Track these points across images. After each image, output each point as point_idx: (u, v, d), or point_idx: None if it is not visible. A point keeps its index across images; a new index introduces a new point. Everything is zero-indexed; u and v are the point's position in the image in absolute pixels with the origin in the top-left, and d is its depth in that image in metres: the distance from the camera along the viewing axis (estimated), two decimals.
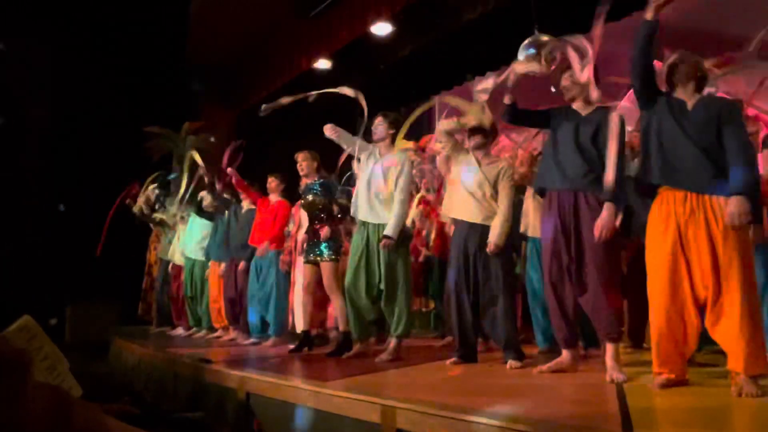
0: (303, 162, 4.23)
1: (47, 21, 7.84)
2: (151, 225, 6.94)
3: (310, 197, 4.11)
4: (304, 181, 4.27)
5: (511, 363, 3.11)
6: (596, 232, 2.67)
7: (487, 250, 3.20)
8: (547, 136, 3.09)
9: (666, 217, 2.42)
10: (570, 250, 2.78)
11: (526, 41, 3.17)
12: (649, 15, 2.45)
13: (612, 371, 2.63)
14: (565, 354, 2.90)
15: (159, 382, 4.00)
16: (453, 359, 3.30)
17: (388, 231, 3.49)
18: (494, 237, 3.20)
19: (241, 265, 4.98)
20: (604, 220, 2.66)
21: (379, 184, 3.59)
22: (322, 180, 4.17)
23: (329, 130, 3.78)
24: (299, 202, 4.65)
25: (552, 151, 2.93)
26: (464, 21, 6.20)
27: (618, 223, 2.71)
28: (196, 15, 8.09)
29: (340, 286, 3.93)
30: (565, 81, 2.96)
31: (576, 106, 2.96)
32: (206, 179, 5.72)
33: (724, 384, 2.33)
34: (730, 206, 2.25)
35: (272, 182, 4.95)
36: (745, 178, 2.29)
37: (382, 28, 6.72)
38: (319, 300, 4.44)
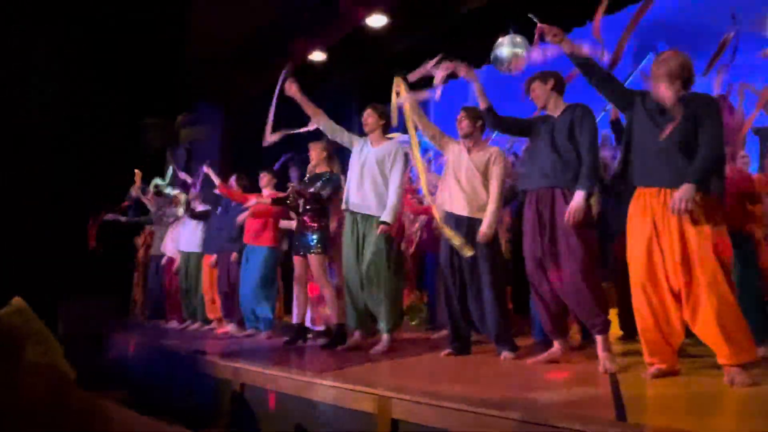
0: (313, 151, 4.17)
1: (44, 13, 7.77)
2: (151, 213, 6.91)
3: (312, 188, 4.07)
4: (310, 170, 4.24)
5: (505, 355, 3.13)
6: (566, 216, 2.74)
7: (477, 239, 3.19)
8: (528, 140, 3.18)
9: (642, 210, 2.46)
10: (545, 245, 2.84)
11: (500, 40, 3.20)
12: (565, 49, 2.61)
13: (604, 361, 2.65)
14: (556, 345, 2.93)
15: (153, 374, 3.99)
16: (447, 351, 3.31)
17: (385, 217, 3.47)
18: (484, 226, 3.20)
19: (233, 256, 4.98)
20: (575, 204, 2.74)
21: (372, 175, 3.58)
22: (332, 173, 4.12)
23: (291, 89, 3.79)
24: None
25: (531, 154, 3.04)
26: (460, 14, 6.19)
27: (595, 214, 2.77)
28: (191, 9, 8.04)
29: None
30: (533, 91, 3.04)
31: (549, 110, 3.03)
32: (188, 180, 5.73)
33: (717, 374, 2.35)
34: (677, 192, 2.29)
35: (264, 177, 4.95)
36: (702, 169, 2.32)
37: (377, 21, 6.70)
38: (318, 295, 4.43)
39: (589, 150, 2.83)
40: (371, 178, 3.58)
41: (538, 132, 3.00)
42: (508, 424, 1.74)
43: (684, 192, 2.28)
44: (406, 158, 3.69)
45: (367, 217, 3.56)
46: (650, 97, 2.53)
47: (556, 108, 3.01)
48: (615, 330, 3.31)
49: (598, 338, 2.74)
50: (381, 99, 3.89)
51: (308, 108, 3.84)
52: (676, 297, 2.38)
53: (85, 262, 7.65)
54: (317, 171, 4.15)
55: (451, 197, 3.35)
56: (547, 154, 2.90)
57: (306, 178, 4.24)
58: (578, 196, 2.76)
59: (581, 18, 5.90)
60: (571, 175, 2.84)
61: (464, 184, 3.31)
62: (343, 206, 3.69)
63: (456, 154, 3.40)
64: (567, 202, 2.81)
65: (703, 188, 2.31)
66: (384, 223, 3.46)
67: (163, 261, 6.35)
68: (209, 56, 8.79)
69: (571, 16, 5.89)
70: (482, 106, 3.12)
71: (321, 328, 4.62)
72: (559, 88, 3.02)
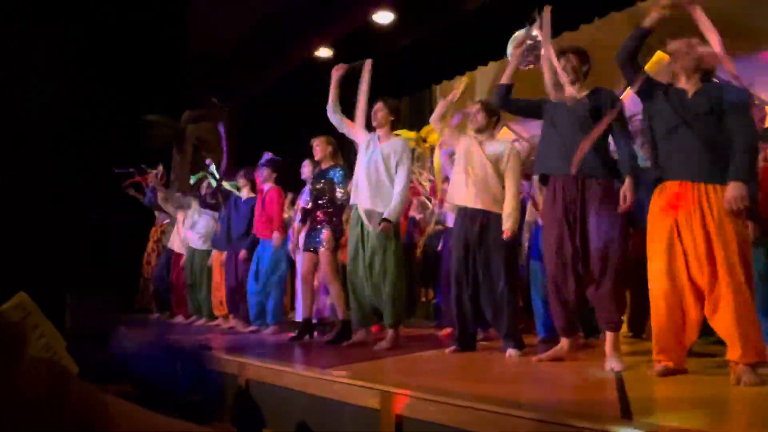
0: (317, 147, 4.16)
1: (44, 12, 7.79)
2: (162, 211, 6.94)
3: (320, 184, 4.06)
4: (308, 168, 4.24)
5: (510, 352, 3.12)
6: (621, 200, 2.65)
7: (504, 237, 3.17)
8: (543, 124, 3.02)
9: (664, 205, 2.42)
10: (575, 238, 2.75)
11: (517, 34, 3.16)
12: (647, 23, 2.48)
13: (611, 360, 2.63)
14: (564, 342, 2.89)
15: (158, 368, 4.01)
16: (452, 348, 3.30)
17: (387, 214, 3.46)
18: (508, 223, 3.17)
19: (242, 253, 4.99)
20: (626, 189, 2.65)
21: (378, 171, 3.57)
22: (340, 167, 4.10)
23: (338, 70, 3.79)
24: (305, 188, 4.65)
25: (552, 137, 2.89)
26: (467, 10, 6.16)
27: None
28: (195, 4, 8.04)
29: (339, 275, 3.93)
30: (566, 62, 2.90)
31: (570, 91, 2.91)
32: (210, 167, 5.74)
33: (723, 373, 2.34)
34: (729, 191, 2.25)
35: (264, 171, 4.95)
36: (744, 165, 2.28)
37: (384, 17, 6.69)
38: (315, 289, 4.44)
39: (626, 136, 2.75)
40: (377, 174, 3.57)
41: (556, 113, 2.89)
42: (514, 421, 1.73)
43: (737, 192, 2.23)
44: (413, 156, 3.69)
45: (373, 213, 3.55)
46: (674, 90, 2.50)
47: (579, 90, 2.90)
48: (622, 328, 3.29)
49: (609, 335, 2.70)
50: (387, 95, 3.87)
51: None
52: (697, 294, 2.35)
53: (93, 257, 7.70)
54: (323, 166, 4.15)
55: (463, 191, 3.32)
56: (572, 138, 2.77)
57: (314, 175, 4.24)
58: (628, 181, 2.65)
59: (584, 12, 5.88)
60: (599, 162, 2.75)
61: (476, 177, 3.28)
62: (351, 200, 3.69)
63: (467, 147, 3.37)
64: (596, 194, 2.72)
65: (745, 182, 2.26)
66: (386, 220, 3.46)
67: (173, 256, 6.37)
68: (212, 53, 8.80)
69: (573, 11, 5.84)
70: (505, 81, 3.00)
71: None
72: (588, 71, 2.92)
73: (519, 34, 3.18)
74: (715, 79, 2.55)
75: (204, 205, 5.70)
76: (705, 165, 2.34)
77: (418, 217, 5.41)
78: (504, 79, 3.01)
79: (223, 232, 5.33)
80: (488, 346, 3.56)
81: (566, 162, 2.77)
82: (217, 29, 8.17)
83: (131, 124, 8.50)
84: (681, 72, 2.49)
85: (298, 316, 4.53)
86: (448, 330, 4.29)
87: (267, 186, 4.90)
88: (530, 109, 3.09)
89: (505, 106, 3.08)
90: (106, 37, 7.91)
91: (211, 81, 9.43)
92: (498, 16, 6.07)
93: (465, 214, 3.32)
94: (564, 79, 2.91)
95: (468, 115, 3.48)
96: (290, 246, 4.76)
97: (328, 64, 7.64)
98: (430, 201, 5.18)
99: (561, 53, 2.93)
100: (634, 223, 3.67)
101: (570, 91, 2.90)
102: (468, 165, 3.31)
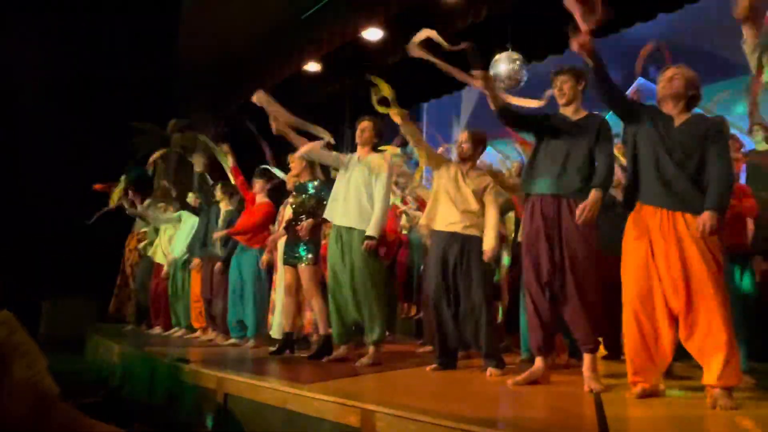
0: (293, 163, 4.17)
1: (39, 17, 7.74)
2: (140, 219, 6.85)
3: (301, 197, 4.05)
4: (291, 180, 4.24)
5: (491, 371, 3.12)
6: (578, 212, 2.66)
7: (484, 258, 3.20)
8: (536, 141, 3.02)
9: (640, 229, 2.46)
10: (553, 258, 2.77)
11: (497, 57, 3.20)
12: (588, 62, 2.50)
13: (589, 381, 2.64)
14: (538, 362, 2.85)
15: (136, 380, 3.94)
16: (433, 366, 3.30)
17: (370, 231, 3.46)
18: (489, 245, 3.20)
19: (217, 266, 4.95)
20: (590, 202, 2.64)
21: (357, 188, 3.57)
22: (317, 180, 4.11)
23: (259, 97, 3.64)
24: (286, 201, 4.64)
25: (541, 155, 2.91)
26: (455, 30, 6.24)
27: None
28: (186, 16, 8.05)
29: (320, 289, 3.91)
30: (562, 84, 2.91)
31: (566, 111, 2.93)
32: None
33: (700, 396, 2.36)
34: (702, 219, 2.30)
35: (257, 183, 4.94)
36: (721, 195, 2.33)
37: (373, 34, 6.75)
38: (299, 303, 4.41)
39: (609, 156, 2.77)
40: (356, 191, 3.57)
41: (550, 131, 2.88)
42: None
43: (708, 220, 2.27)
44: (392, 172, 3.69)
45: (351, 230, 3.55)
46: (660, 115, 2.53)
47: (575, 112, 2.90)
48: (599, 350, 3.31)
49: (586, 357, 2.72)
50: (373, 112, 3.90)
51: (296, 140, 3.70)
52: (671, 317, 2.37)
53: (70, 264, 7.58)
54: (302, 180, 4.14)
55: (444, 217, 3.34)
56: (559, 159, 2.80)
57: (293, 190, 4.22)
58: (594, 195, 2.64)
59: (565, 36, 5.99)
60: (582, 185, 2.75)
61: (460, 206, 3.31)
62: (326, 215, 3.68)
63: (450, 175, 3.39)
64: (573, 216, 2.70)
65: (721, 212, 2.32)
66: (369, 237, 3.46)
67: (154, 267, 6.28)
68: (202, 63, 8.79)
69: (554, 35, 5.94)
70: (495, 106, 2.94)
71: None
72: (585, 90, 2.91)
73: (500, 56, 3.22)
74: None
75: (193, 210, 5.67)
76: (685, 195, 2.37)
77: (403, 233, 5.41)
78: (493, 106, 2.96)
79: (200, 238, 5.29)
80: (469, 364, 3.56)
81: (549, 183, 2.82)
82: (207, 40, 8.19)
83: (118, 132, 8.44)
84: (668, 98, 2.53)
85: (268, 330, 4.49)
86: (429, 348, 4.29)
87: (259, 198, 4.89)
88: (530, 123, 3.03)
89: (511, 123, 3.05)
90: (98, 46, 7.88)
91: (200, 91, 9.42)
92: (486, 36, 6.17)
93: (445, 236, 3.33)
94: (559, 99, 2.92)
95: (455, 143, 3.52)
96: (265, 255, 4.70)
97: (316, 79, 7.71)
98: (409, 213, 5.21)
99: (556, 73, 2.94)
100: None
101: (566, 111, 2.92)
102: (452, 194, 3.34)
